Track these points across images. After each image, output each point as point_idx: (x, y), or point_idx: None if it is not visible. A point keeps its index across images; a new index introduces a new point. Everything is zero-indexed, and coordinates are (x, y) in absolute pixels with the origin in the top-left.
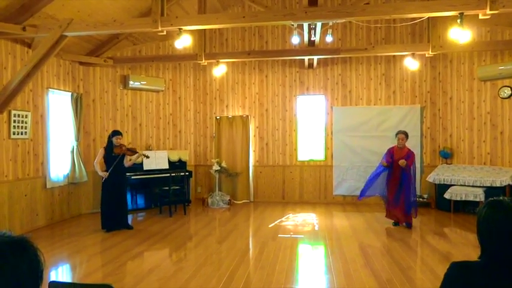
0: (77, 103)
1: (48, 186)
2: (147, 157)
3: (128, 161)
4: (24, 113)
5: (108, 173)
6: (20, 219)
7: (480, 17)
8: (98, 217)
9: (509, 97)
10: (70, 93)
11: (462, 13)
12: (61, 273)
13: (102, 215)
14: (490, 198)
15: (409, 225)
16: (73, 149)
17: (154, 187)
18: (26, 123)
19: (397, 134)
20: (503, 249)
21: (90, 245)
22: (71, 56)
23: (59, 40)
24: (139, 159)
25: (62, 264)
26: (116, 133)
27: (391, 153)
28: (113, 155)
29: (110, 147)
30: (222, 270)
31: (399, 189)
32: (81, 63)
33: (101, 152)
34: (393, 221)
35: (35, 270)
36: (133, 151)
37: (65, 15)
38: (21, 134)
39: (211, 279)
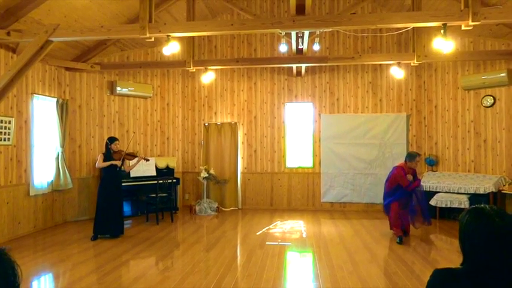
0: (63, 109)
1: (31, 194)
2: (147, 160)
3: (128, 166)
4: (8, 119)
5: (120, 161)
6: (1, 228)
7: (463, 28)
8: (83, 225)
9: (491, 106)
10: (55, 99)
11: (445, 24)
12: (43, 283)
13: (96, 222)
14: (472, 206)
15: (406, 234)
16: (58, 155)
17: (141, 194)
18: (9, 129)
19: (415, 157)
20: (485, 256)
21: (75, 254)
22: (57, 61)
23: (45, 45)
24: (139, 163)
25: (45, 274)
26: (114, 139)
27: (405, 172)
28: (113, 160)
29: (108, 154)
30: (209, 279)
31: (413, 201)
32: (67, 68)
33: (100, 157)
34: (399, 237)
35: (12, 284)
36: (132, 155)
37: (51, 21)
38: (4, 140)
39: (198, 287)
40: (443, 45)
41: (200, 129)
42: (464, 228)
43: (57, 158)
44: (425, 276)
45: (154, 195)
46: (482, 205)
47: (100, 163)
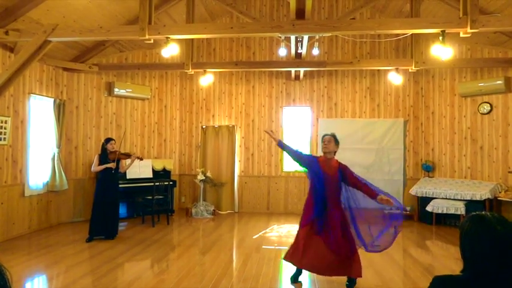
0: (60, 109)
1: (26, 194)
2: (141, 159)
3: (123, 166)
4: (4, 119)
5: (115, 163)
6: None
7: (461, 35)
8: (78, 226)
9: (488, 113)
10: (53, 99)
11: (444, 31)
12: (37, 285)
13: (92, 223)
14: (473, 213)
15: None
16: (54, 156)
17: (138, 196)
18: (5, 128)
19: (322, 138)
20: (486, 263)
21: (69, 255)
22: (55, 61)
23: (43, 45)
24: (134, 163)
25: (38, 276)
26: (110, 139)
27: (316, 162)
28: (109, 162)
29: (104, 154)
30: (205, 282)
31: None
32: (65, 69)
33: (96, 159)
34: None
35: None
36: (127, 155)
37: (49, 21)
38: (0, 139)
39: None
40: (442, 51)
41: (198, 132)
42: (465, 235)
43: (53, 158)
44: (422, 282)
45: (150, 197)
46: (484, 212)
47: (95, 166)
